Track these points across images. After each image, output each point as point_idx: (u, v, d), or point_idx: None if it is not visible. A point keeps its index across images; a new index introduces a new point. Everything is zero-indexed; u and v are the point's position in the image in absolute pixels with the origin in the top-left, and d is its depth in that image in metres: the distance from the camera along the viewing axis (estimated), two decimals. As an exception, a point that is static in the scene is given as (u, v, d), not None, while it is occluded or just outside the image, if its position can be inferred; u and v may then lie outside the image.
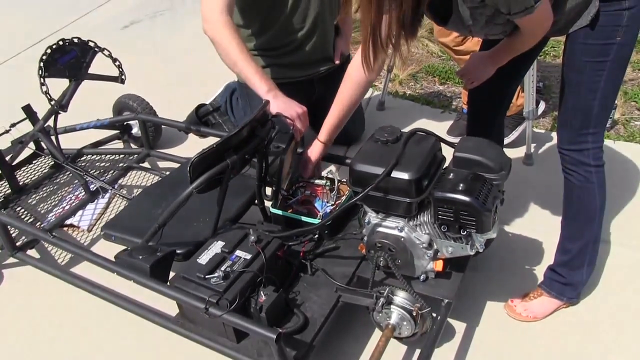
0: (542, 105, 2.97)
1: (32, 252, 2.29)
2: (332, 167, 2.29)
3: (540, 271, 2.09)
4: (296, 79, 2.59)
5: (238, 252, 1.72)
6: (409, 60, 3.69)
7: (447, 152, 1.76)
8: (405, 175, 1.60)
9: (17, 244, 2.22)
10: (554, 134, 2.90)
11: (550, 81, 3.40)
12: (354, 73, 1.89)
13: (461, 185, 1.57)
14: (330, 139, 2.04)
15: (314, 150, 2.06)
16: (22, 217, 2.43)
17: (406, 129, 1.80)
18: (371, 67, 1.57)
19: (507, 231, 2.31)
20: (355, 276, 1.83)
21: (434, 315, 1.72)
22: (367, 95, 3.37)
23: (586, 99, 1.69)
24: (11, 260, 2.24)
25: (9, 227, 2.16)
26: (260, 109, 1.84)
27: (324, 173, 2.16)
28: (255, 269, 1.66)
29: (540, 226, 2.32)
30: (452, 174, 1.64)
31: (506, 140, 2.68)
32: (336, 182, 2.07)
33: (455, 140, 1.82)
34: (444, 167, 1.76)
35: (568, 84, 1.72)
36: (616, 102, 2.95)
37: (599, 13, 1.55)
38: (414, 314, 1.68)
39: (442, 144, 1.80)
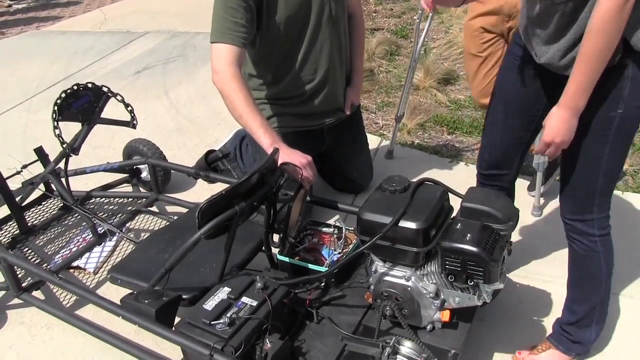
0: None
1: (37, 294, 2.28)
2: (339, 216, 2.30)
3: (548, 323, 2.07)
4: (306, 128, 2.63)
5: (244, 299, 1.71)
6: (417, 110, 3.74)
7: (455, 202, 1.77)
8: (413, 225, 1.60)
9: (23, 284, 2.22)
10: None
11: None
12: None
13: (469, 235, 1.58)
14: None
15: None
16: (29, 258, 2.43)
17: (414, 179, 1.81)
18: None
19: (515, 282, 2.29)
20: (362, 325, 1.81)
21: (441, 366, 1.70)
22: (375, 145, 3.41)
23: (590, 170, 1.65)
24: (16, 301, 2.24)
25: (15, 267, 2.17)
26: (269, 157, 1.86)
27: (331, 221, 2.16)
28: (261, 316, 1.65)
29: (547, 277, 2.30)
30: (459, 224, 1.65)
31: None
32: (344, 231, 2.08)
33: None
34: (452, 217, 1.77)
35: (570, 154, 1.66)
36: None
37: (623, 61, 1.48)
38: (421, 365, 1.66)
39: (450, 194, 1.81)
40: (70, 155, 2.48)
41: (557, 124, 1.55)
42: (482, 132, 2.03)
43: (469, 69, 2.87)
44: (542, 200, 2.74)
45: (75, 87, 2.41)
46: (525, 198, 2.80)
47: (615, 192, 2.86)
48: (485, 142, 2.00)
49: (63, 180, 2.54)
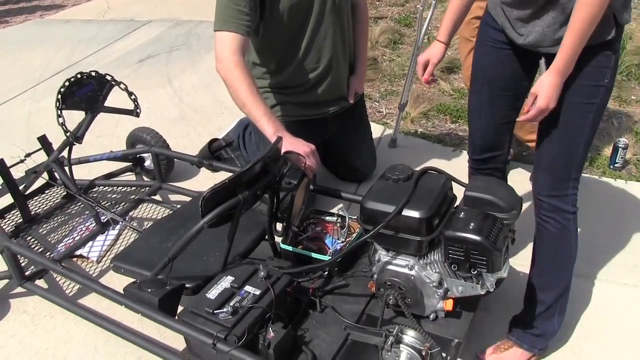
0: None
1: (41, 282, 2.28)
2: (342, 204, 2.30)
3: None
4: (310, 117, 2.62)
5: (247, 288, 1.71)
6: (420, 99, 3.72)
7: (458, 191, 1.76)
8: (416, 214, 1.60)
9: (26, 273, 2.22)
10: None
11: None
12: None
13: (472, 224, 1.57)
14: (448, 39, 2.06)
15: (434, 51, 2.10)
16: (32, 246, 2.44)
17: (417, 167, 1.81)
18: None
19: (518, 271, 2.28)
20: (365, 314, 1.81)
21: (444, 355, 1.69)
22: (378, 133, 3.40)
23: (573, 144, 1.67)
24: (19, 290, 2.25)
25: (18, 256, 2.17)
26: (272, 146, 1.86)
27: (334, 210, 2.16)
28: (264, 305, 1.65)
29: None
30: (462, 213, 1.64)
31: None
32: (347, 219, 2.08)
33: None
34: (455, 206, 1.76)
35: (554, 127, 1.67)
36: (627, 142, 2.96)
37: (615, 38, 1.56)
38: (424, 353, 1.65)
39: (453, 182, 1.81)
40: (74, 144, 2.48)
41: (550, 89, 1.56)
42: (469, 119, 2.04)
43: (461, 53, 2.87)
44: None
45: (78, 76, 2.41)
46: (528, 187, 2.78)
47: (618, 181, 2.86)
48: (475, 127, 2.01)
49: (66, 168, 2.54)
